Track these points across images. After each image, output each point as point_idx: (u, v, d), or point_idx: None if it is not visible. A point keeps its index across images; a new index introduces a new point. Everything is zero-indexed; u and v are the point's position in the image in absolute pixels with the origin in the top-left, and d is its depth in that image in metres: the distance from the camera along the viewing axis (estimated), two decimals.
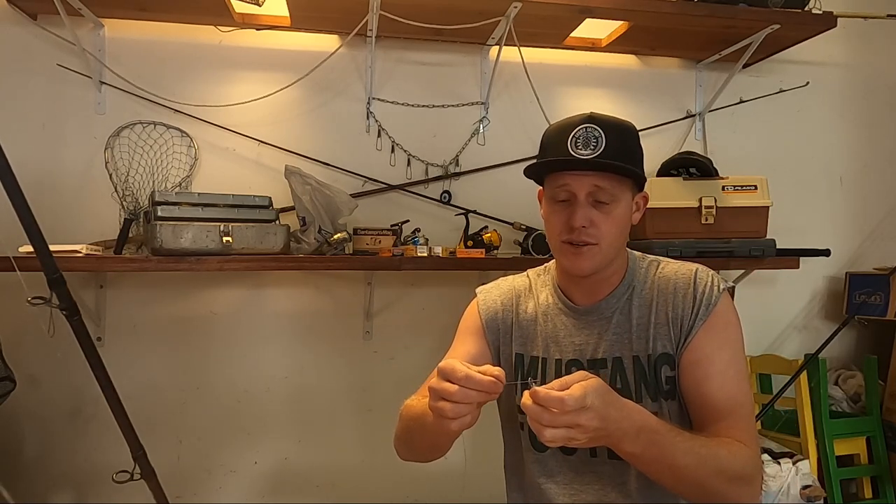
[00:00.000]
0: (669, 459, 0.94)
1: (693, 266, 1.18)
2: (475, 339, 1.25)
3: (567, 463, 1.16)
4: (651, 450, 0.92)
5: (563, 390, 0.84)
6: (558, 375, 1.17)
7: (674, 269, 1.19)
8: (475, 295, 1.32)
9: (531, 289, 1.28)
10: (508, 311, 1.26)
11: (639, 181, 1.15)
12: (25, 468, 2.13)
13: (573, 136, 1.09)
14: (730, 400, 1.06)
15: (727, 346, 1.10)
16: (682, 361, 1.11)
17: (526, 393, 0.87)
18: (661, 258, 1.23)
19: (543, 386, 0.86)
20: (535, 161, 1.15)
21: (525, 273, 1.33)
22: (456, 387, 0.88)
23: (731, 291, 1.16)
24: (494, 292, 1.29)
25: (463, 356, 1.22)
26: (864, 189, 2.79)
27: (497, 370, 0.90)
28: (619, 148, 1.09)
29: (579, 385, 0.85)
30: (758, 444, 1.08)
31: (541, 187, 1.22)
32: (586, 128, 1.09)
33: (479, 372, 0.89)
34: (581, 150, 1.08)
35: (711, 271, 1.17)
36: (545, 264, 1.32)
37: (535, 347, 1.21)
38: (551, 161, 1.12)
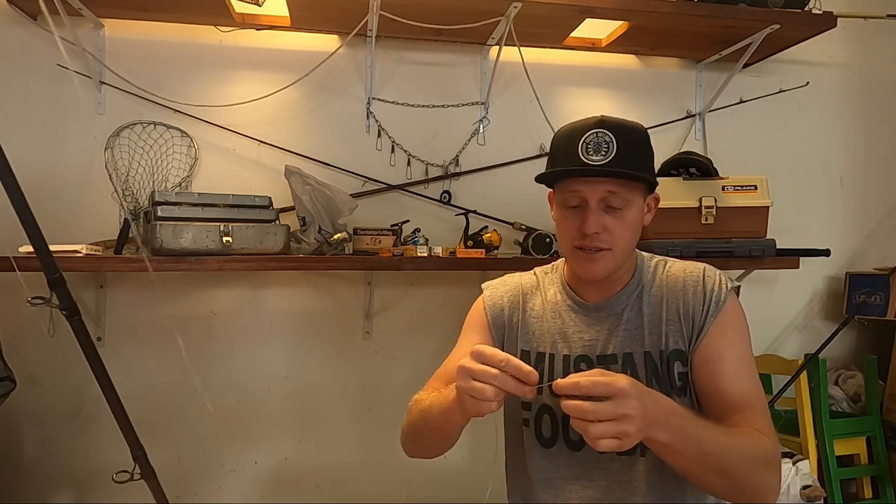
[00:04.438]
0: (697, 446, 0.94)
1: (700, 265, 1.19)
2: (481, 335, 1.25)
3: (574, 459, 1.16)
4: (679, 437, 0.92)
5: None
6: (566, 371, 1.17)
7: (681, 267, 1.20)
8: (481, 291, 1.32)
9: (539, 286, 1.28)
10: (515, 308, 1.26)
11: (650, 183, 1.15)
12: (25, 468, 2.13)
13: (584, 141, 1.08)
14: (744, 393, 1.07)
15: (738, 343, 1.12)
16: (694, 359, 1.12)
17: (565, 385, 0.88)
18: (666, 258, 1.24)
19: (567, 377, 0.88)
20: (545, 171, 1.15)
21: (532, 271, 1.33)
22: (496, 370, 0.91)
23: (737, 291, 1.17)
24: (501, 289, 1.29)
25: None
26: (864, 189, 2.78)
27: (530, 368, 0.92)
28: (630, 152, 1.08)
29: (617, 374, 0.88)
30: (776, 433, 1.08)
31: (550, 189, 1.22)
32: (597, 133, 1.08)
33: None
34: (592, 156, 1.07)
35: (718, 270, 1.18)
36: (553, 263, 1.32)
37: (542, 344, 1.21)
38: (563, 171, 1.12)
